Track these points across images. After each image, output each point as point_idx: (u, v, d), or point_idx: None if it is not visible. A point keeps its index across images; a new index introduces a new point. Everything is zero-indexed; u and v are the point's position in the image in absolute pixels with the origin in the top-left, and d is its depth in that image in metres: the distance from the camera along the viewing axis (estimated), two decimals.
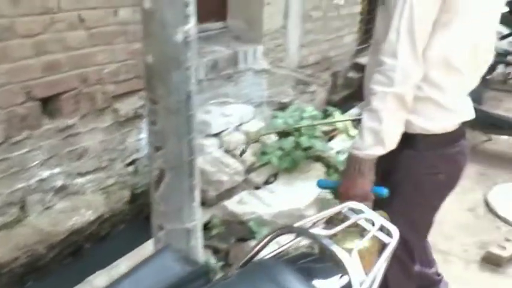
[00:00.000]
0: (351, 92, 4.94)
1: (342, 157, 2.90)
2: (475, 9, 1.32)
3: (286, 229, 1.02)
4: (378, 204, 1.40)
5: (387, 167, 1.45)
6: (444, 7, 1.27)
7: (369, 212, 1.10)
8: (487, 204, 3.17)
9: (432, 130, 1.41)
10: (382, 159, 1.38)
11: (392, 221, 1.15)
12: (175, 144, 1.40)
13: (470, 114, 1.48)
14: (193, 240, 1.63)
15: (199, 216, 1.62)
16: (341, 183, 1.45)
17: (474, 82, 1.48)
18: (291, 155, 2.84)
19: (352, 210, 1.11)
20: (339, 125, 3.07)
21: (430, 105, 1.38)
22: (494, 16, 1.44)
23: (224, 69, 3.19)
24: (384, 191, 1.42)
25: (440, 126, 1.42)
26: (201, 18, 3.42)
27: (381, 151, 1.34)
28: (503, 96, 5.46)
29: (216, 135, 2.90)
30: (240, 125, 3.07)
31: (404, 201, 1.48)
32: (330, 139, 3.25)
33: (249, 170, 2.89)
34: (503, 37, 4.48)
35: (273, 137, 3.17)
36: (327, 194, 2.81)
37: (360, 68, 5.06)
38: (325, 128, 3.07)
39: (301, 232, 1.00)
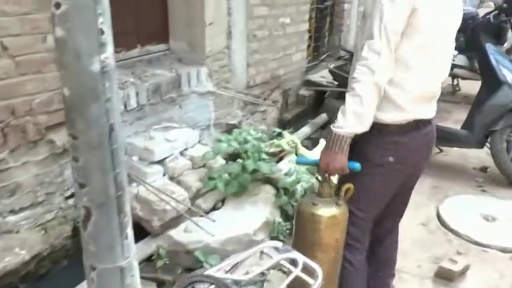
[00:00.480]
0: (303, 110, 5.00)
1: (291, 179, 2.91)
2: (433, 27, 1.69)
3: (199, 277, 1.00)
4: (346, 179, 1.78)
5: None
6: (409, 23, 1.64)
7: (291, 252, 1.10)
8: (439, 217, 3.25)
9: (385, 121, 1.73)
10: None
11: (355, 194, 1.74)
12: (100, 180, 1.35)
13: (422, 115, 1.78)
14: (129, 279, 1.57)
15: (133, 253, 1.56)
16: (321, 158, 1.74)
17: (432, 86, 1.80)
18: (238, 178, 2.82)
19: (276, 249, 1.11)
20: (286, 147, 3.08)
21: (386, 101, 1.70)
22: (451, 31, 1.82)
23: (167, 93, 3.16)
24: (357, 165, 1.72)
25: (391, 119, 1.74)
26: (143, 41, 3.43)
27: (360, 130, 1.66)
28: (453, 107, 5.67)
29: (160, 161, 2.85)
30: (185, 149, 3.04)
31: (363, 180, 1.78)
32: (279, 160, 3.25)
33: (196, 196, 2.86)
34: None
35: (221, 161, 3.16)
36: (277, 217, 2.81)
37: (311, 85, 5.16)
38: (273, 150, 3.07)
39: (212, 281, 0.98)
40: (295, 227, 1.91)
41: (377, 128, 1.72)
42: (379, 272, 2.19)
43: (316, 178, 1.91)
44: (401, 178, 1.88)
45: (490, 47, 3.67)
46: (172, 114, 3.25)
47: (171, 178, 2.88)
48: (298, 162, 2.20)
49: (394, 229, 2.20)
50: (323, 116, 4.64)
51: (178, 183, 2.87)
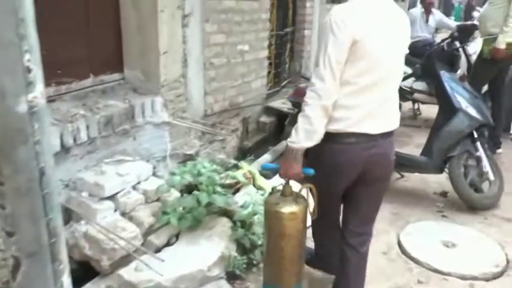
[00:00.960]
0: (264, 137, 5.02)
1: (247, 211, 2.88)
2: (375, 54, 1.99)
3: None
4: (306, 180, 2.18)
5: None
6: (352, 52, 1.96)
7: None
8: (400, 245, 3.27)
9: (329, 129, 2.05)
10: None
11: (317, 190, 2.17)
12: (30, 228, 1.30)
13: (365, 130, 2.07)
14: None
15: None
16: (281, 167, 2.15)
17: (375, 106, 2.06)
18: (192, 212, 2.78)
19: None
20: (241, 178, 3.06)
21: (333, 117, 2.03)
22: (396, 54, 2.10)
23: (120, 125, 3.11)
24: (311, 171, 2.12)
25: (336, 129, 2.06)
26: (96, 70, 3.39)
27: (310, 144, 2.02)
28: (414, 131, 5.81)
29: (111, 197, 2.78)
30: (138, 183, 2.98)
31: (317, 178, 2.16)
32: (236, 192, 3.23)
33: (148, 232, 2.79)
34: (406, 77, 4.77)
35: (176, 194, 3.11)
36: (233, 251, 2.76)
37: (272, 112, 5.19)
38: (229, 181, 3.05)
39: None
40: (265, 222, 2.33)
41: (325, 136, 2.05)
42: None
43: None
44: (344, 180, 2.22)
45: (444, 74, 3.78)
46: (126, 147, 3.19)
47: (123, 214, 2.81)
48: (263, 169, 2.61)
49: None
50: (284, 143, 4.65)
51: (131, 218, 2.80)
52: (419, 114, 6.47)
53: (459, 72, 4.03)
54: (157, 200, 3.04)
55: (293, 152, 2.06)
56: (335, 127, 2.05)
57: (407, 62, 5.78)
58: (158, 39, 3.32)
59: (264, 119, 5.08)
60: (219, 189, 2.83)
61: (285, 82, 5.80)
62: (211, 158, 4.19)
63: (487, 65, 4.76)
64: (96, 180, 2.74)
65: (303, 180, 2.22)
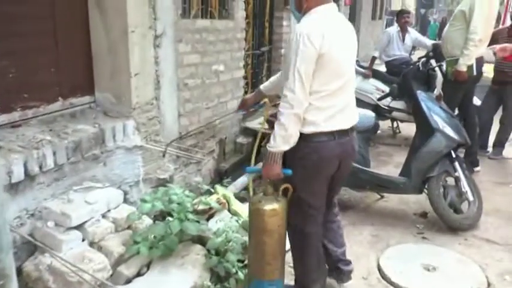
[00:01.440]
0: (241, 158, 4.97)
1: (220, 239, 2.81)
2: (337, 62, 2.31)
3: None
4: (285, 180, 2.45)
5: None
6: (319, 63, 2.25)
7: None
8: (379, 270, 3.23)
9: (303, 131, 2.36)
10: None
11: (296, 189, 2.47)
12: None
13: (336, 127, 2.41)
14: None
15: None
16: (263, 169, 2.43)
17: (341, 104, 2.41)
18: (164, 240, 2.71)
19: None
20: (214, 204, 3.00)
21: (306, 120, 2.34)
22: (351, 60, 2.47)
23: (89, 150, 3.03)
24: (289, 171, 2.41)
25: (312, 131, 2.36)
26: (65, 93, 3.31)
27: (287, 148, 2.33)
28: (394, 150, 5.83)
29: (79, 226, 2.69)
30: (108, 211, 2.90)
31: (296, 176, 2.45)
32: (210, 217, 3.16)
33: (118, 262, 2.71)
34: (383, 97, 4.81)
35: (148, 221, 3.04)
36: (206, 280, 2.69)
37: (249, 132, 5.15)
38: (202, 207, 2.98)
39: None
40: (249, 220, 2.57)
41: (302, 137, 2.36)
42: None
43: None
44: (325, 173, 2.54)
45: (421, 94, 3.81)
46: (96, 173, 3.11)
47: (92, 243, 2.72)
48: (248, 172, 2.84)
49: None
50: (261, 165, 4.61)
51: (100, 248, 2.72)
52: (399, 132, 6.51)
53: (436, 91, 4.05)
54: (129, 227, 2.97)
55: (273, 156, 2.35)
56: (312, 129, 2.36)
57: (385, 81, 5.87)
58: (129, 60, 3.27)
59: (241, 139, 5.04)
60: (191, 216, 2.76)
61: (263, 101, 5.76)
62: (186, 181, 4.14)
63: (453, 86, 4.82)
64: (62, 209, 2.65)
65: (281, 180, 2.48)
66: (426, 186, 3.76)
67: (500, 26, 7.53)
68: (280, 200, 2.48)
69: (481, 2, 4.52)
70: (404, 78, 3.93)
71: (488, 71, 5.80)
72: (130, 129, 3.36)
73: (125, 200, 3.40)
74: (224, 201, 3.29)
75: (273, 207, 2.44)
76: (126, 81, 3.32)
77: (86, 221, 2.73)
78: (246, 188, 4.41)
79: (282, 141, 2.30)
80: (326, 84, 2.31)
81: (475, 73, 4.72)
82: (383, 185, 3.84)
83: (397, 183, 3.80)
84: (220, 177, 4.70)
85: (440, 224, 3.79)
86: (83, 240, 2.71)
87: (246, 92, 5.32)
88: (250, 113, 5.41)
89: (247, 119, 5.29)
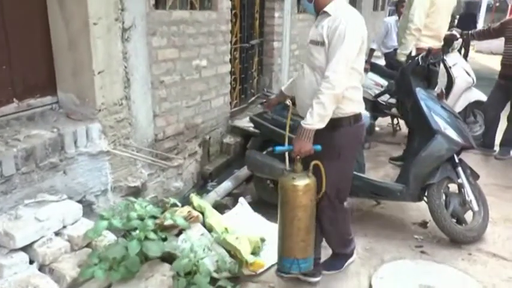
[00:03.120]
0: (228, 160, 4.63)
1: (187, 259, 2.46)
2: (363, 50, 2.56)
3: None
4: (314, 157, 2.56)
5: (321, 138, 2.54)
6: (359, 49, 2.51)
7: None
8: None
9: (355, 112, 2.66)
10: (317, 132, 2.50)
11: (338, 178, 2.71)
12: None
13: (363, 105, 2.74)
14: None
15: None
16: (295, 145, 2.51)
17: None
18: (124, 261, 2.37)
19: None
20: (180, 221, 2.64)
21: (349, 100, 2.58)
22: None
23: (46, 158, 2.70)
24: (318, 147, 2.52)
25: (354, 111, 2.64)
26: (21, 94, 2.95)
27: (322, 126, 2.46)
28: (393, 149, 5.45)
29: (27, 247, 2.36)
30: (64, 228, 2.57)
31: (342, 161, 2.68)
32: (179, 233, 2.81)
33: (72, 286, 2.37)
34: (380, 94, 4.43)
35: (110, 236, 2.70)
36: None
37: (237, 132, 4.80)
38: (168, 222, 2.63)
39: None
40: (281, 198, 2.64)
41: (347, 121, 2.63)
42: None
43: None
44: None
45: (420, 92, 3.43)
46: (54, 183, 2.78)
47: (42, 266, 2.39)
48: (276, 151, 2.68)
49: None
50: (246, 169, 4.26)
51: (51, 272, 2.39)
52: (399, 129, 6.12)
53: (437, 88, 3.67)
54: (88, 245, 2.63)
55: (307, 132, 2.47)
56: (355, 109, 2.64)
57: (384, 75, 5.47)
58: (91, 56, 2.93)
59: (228, 140, 4.69)
60: (152, 235, 2.42)
61: (254, 98, 5.41)
62: (165, 187, 3.80)
63: None
64: (6, 229, 2.33)
65: (312, 156, 2.56)
66: (426, 194, 3.39)
67: (507, 17, 7.10)
68: (311, 176, 2.60)
69: None
70: (402, 74, 3.55)
71: (495, 64, 5.43)
72: (95, 133, 3.02)
73: (91, 211, 3.10)
74: (196, 214, 2.94)
75: (307, 182, 2.57)
76: (89, 79, 2.98)
77: (35, 241, 2.40)
78: (230, 194, 4.08)
79: (318, 119, 2.44)
80: (359, 67, 2.59)
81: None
82: (378, 192, 3.49)
83: (394, 191, 3.43)
84: (204, 180, 4.36)
85: (441, 235, 3.43)
86: (31, 262, 2.38)
87: (233, 89, 4.97)
88: (238, 112, 5.09)
89: (235, 118, 4.94)
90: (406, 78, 3.51)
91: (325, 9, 2.54)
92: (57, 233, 2.54)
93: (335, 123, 2.56)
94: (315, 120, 2.43)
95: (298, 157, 2.56)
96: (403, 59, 4.51)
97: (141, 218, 2.54)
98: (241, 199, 3.64)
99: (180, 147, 3.93)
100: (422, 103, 3.37)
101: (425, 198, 3.42)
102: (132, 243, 2.34)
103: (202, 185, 4.33)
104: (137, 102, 3.36)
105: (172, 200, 2.88)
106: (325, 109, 2.41)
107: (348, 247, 3.07)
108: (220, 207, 3.75)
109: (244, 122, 4.84)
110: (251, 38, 5.34)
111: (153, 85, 3.50)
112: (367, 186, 3.49)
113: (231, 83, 4.78)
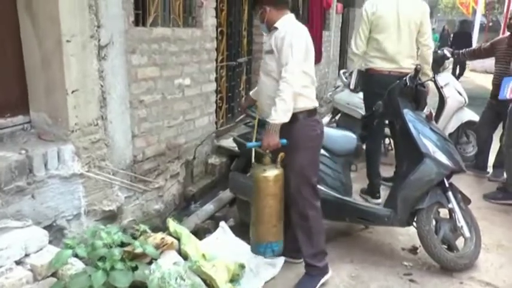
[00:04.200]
0: (212, 181, 4.48)
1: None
2: (307, 56, 2.97)
3: None
4: (288, 155, 2.90)
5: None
6: (306, 54, 2.97)
7: None
8: None
9: (308, 108, 2.96)
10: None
11: (301, 166, 2.95)
12: None
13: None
14: None
15: None
16: (263, 140, 2.82)
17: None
18: None
19: None
20: (149, 250, 2.48)
21: (304, 97, 2.92)
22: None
23: (11, 182, 2.55)
24: (284, 141, 2.82)
25: (312, 105, 3.01)
26: None
27: (286, 120, 2.79)
28: (384, 170, 5.26)
29: None
30: (26, 256, 2.39)
31: (302, 151, 2.94)
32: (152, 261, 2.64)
33: None
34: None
35: (79, 265, 2.53)
36: None
37: (223, 152, 4.65)
38: (138, 250, 2.46)
39: None
40: (254, 190, 2.95)
41: (302, 115, 2.91)
42: None
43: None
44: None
45: (408, 114, 3.29)
46: (21, 207, 2.63)
47: None
48: (248, 147, 3.03)
49: None
50: (228, 192, 4.10)
51: None
52: (391, 149, 5.98)
53: (426, 110, 3.54)
54: (54, 275, 2.46)
55: (274, 127, 2.77)
56: (311, 103, 2.99)
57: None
58: (64, 75, 2.80)
59: (213, 160, 4.55)
60: (119, 265, 2.26)
61: (241, 117, 5.27)
62: (144, 210, 3.64)
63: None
64: None
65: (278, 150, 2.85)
66: (415, 219, 3.24)
67: (500, 36, 7.03)
68: (279, 167, 2.90)
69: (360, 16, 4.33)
70: (389, 95, 3.42)
71: (489, 83, 5.32)
72: (67, 154, 2.87)
73: (63, 237, 2.94)
74: (171, 241, 2.78)
75: (276, 173, 2.87)
76: (62, 99, 2.84)
77: None
78: (212, 217, 3.92)
79: (282, 114, 2.76)
80: (310, 71, 2.96)
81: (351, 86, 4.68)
82: (365, 217, 3.34)
83: (381, 216, 3.28)
84: (187, 202, 4.20)
85: (432, 262, 3.27)
86: None
87: (219, 108, 4.83)
88: (224, 131, 4.95)
89: (221, 138, 4.80)
90: (394, 99, 3.38)
91: (275, 25, 2.94)
92: (18, 262, 2.37)
93: (292, 119, 2.83)
94: (279, 115, 2.76)
95: (267, 151, 2.86)
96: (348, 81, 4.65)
97: (109, 246, 2.38)
98: (222, 223, 3.48)
99: (161, 168, 3.78)
100: (410, 125, 3.23)
101: (414, 224, 3.27)
102: (97, 275, 2.18)
103: (184, 207, 4.16)
104: (114, 123, 3.22)
105: (142, 227, 2.71)
106: (286, 104, 2.75)
107: (320, 260, 3.05)
108: (201, 231, 3.60)
109: (230, 142, 4.70)
110: (238, 56, 5.22)
111: (132, 105, 3.36)
112: (353, 210, 3.35)
113: (216, 102, 4.65)
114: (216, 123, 4.70)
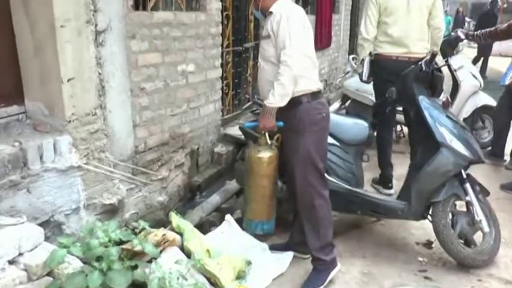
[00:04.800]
0: (219, 170, 4.32)
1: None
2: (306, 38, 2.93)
3: None
4: (293, 140, 2.87)
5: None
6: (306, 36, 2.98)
7: None
8: None
9: (312, 89, 2.86)
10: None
11: (307, 151, 2.83)
12: None
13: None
14: None
15: None
16: (260, 122, 2.84)
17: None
18: None
19: None
20: (148, 248, 2.32)
21: (307, 78, 2.83)
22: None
23: (4, 176, 2.42)
24: (280, 123, 2.84)
25: (317, 87, 2.91)
26: None
27: (283, 104, 2.74)
28: (396, 159, 5.08)
29: None
30: (20, 255, 2.26)
31: (307, 135, 2.83)
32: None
33: None
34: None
35: (76, 263, 2.40)
36: None
37: (229, 140, 4.49)
38: (138, 248, 2.31)
39: None
40: (248, 170, 3.01)
41: (306, 98, 2.82)
42: None
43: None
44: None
45: (423, 100, 3.09)
46: (15, 203, 2.50)
47: None
48: (245, 127, 3.24)
49: None
50: (234, 183, 3.95)
51: None
52: (403, 137, 5.79)
53: (442, 96, 3.34)
54: (50, 274, 2.33)
55: (270, 110, 2.74)
56: (317, 85, 2.91)
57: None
58: (59, 62, 2.63)
59: (219, 149, 4.39)
60: (117, 265, 2.12)
61: (248, 104, 5.10)
62: (147, 202, 3.50)
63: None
64: None
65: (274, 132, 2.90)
66: (430, 212, 3.07)
67: None
68: (274, 149, 2.94)
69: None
70: (403, 81, 3.22)
71: (504, 67, 5.09)
72: (64, 146, 2.73)
73: (61, 233, 2.81)
74: (173, 237, 2.63)
75: (270, 154, 2.91)
76: (57, 88, 2.69)
77: None
78: (218, 209, 3.77)
79: (280, 98, 2.71)
80: (311, 53, 2.90)
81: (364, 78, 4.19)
82: (377, 210, 3.17)
83: (394, 209, 3.11)
84: (192, 193, 4.06)
85: (448, 257, 3.10)
86: None
87: (226, 94, 4.66)
88: (231, 119, 4.79)
89: (227, 125, 4.64)
90: (408, 85, 3.18)
91: (270, 9, 2.85)
92: (11, 262, 2.23)
93: (295, 101, 2.79)
94: (276, 99, 2.71)
95: (263, 132, 2.88)
96: (359, 70, 4.25)
97: (106, 245, 2.24)
98: (227, 216, 3.33)
99: (164, 158, 3.63)
100: (426, 113, 3.03)
101: (429, 217, 3.10)
102: (93, 276, 2.05)
103: (190, 198, 4.02)
104: (114, 112, 3.07)
105: (142, 224, 2.55)
106: (285, 89, 2.69)
107: (327, 254, 2.91)
108: (207, 224, 3.45)
109: (237, 130, 4.53)
110: (245, 41, 5.02)
111: (132, 93, 3.20)
112: (364, 203, 3.18)
113: (222, 89, 4.47)
114: (222, 110, 4.53)
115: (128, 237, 2.34)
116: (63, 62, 2.65)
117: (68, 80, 2.70)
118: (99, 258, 2.22)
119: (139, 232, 2.58)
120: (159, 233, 2.57)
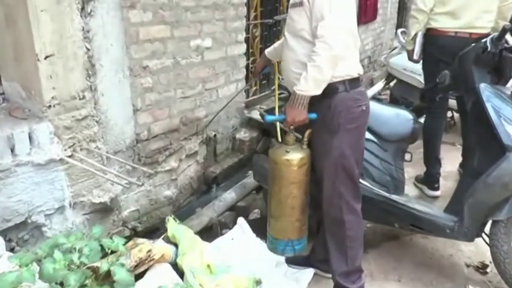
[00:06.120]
0: (240, 159, 3.79)
1: None
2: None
3: None
4: (323, 139, 2.25)
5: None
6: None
7: None
8: None
9: (352, 75, 2.22)
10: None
11: (340, 154, 2.21)
12: None
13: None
14: None
15: None
16: (288, 114, 2.17)
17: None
18: None
19: None
20: (158, 250, 1.81)
21: (347, 60, 2.19)
22: None
23: None
24: (314, 115, 2.20)
25: (356, 71, 2.26)
26: None
27: (317, 93, 2.10)
28: (445, 151, 4.35)
29: None
30: None
31: (342, 134, 2.21)
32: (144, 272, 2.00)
33: None
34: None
35: (40, 285, 1.94)
36: None
37: (254, 125, 3.94)
38: (133, 262, 1.82)
39: None
40: (272, 174, 2.35)
41: (343, 86, 2.19)
42: None
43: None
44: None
45: (486, 89, 2.40)
46: None
47: None
48: (268, 120, 2.42)
49: None
50: (251, 177, 3.40)
51: None
52: (454, 124, 5.03)
53: (509, 84, 2.63)
54: None
55: (301, 99, 2.11)
56: (356, 69, 2.25)
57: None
58: (32, 35, 2.14)
59: (241, 135, 3.84)
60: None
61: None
62: (152, 197, 3.02)
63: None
64: None
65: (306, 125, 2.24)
66: (489, 234, 2.42)
67: None
68: (305, 148, 2.31)
69: None
70: (461, 63, 2.54)
71: None
72: (43, 136, 2.27)
73: (41, 236, 2.38)
74: (161, 254, 2.12)
75: (301, 156, 2.27)
76: (33, 66, 2.21)
77: None
78: (232, 208, 3.25)
79: (314, 84, 2.08)
80: (353, 29, 2.26)
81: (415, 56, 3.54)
82: (420, 225, 2.54)
83: (441, 227, 2.46)
84: (208, 186, 3.55)
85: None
86: None
87: (250, 73, 4.08)
88: (257, 101, 4.21)
89: (252, 108, 4.07)
90: (467, 68, 2.49)
91: None
92: None
93: (329, 90, 2.15)
94: (309, 85, 2.08)
95: (291, 127, 2.24)
96: (409, 48, 3.54)
97: (69, 268, 1.76)
98: (240, 220, 2.80)
99: (173, 147, 3.12)
100: (488, 105, 2.35)
101: (485, 237, 2.46)
102: None
103: (205, 191, 3.52)
104: (107, 95, 2.57)
105: (116, 241, 2.01)
106: (322, 73, 2.06)
107: (354, 281, 2.35)
108: (217, 226, 2.95)
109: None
110: (276, 13, 4.38)
111: (132, 72, 2.69)
112: (404, 215, 2.56)
113: (248, 67, 3.90)
114: (246, 91, 3.96)
115: (95, 257, 1.83)
116: (38, 36, 2.15)
117: (46, 58, 2.20)
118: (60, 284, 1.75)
119: (125, 244, 2.05)
120: (144, 248, 2.06)
